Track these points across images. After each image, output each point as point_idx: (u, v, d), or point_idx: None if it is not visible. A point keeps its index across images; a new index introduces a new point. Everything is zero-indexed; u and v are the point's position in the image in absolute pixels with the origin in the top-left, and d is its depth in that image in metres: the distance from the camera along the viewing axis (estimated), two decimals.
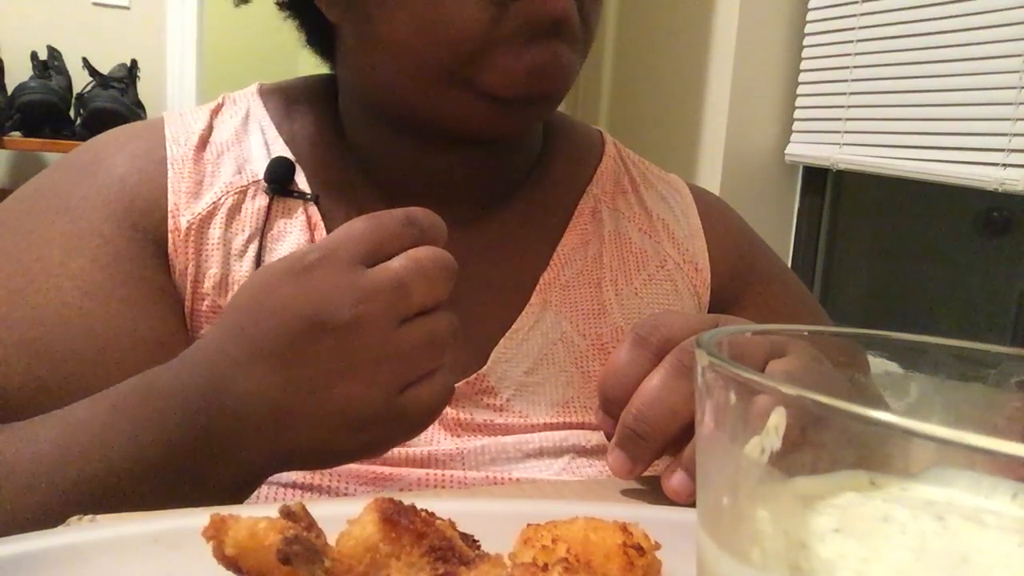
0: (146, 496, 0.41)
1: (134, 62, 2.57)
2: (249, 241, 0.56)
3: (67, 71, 2.47)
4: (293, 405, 0.40)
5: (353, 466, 0.51)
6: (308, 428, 0.41)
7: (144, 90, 2.56)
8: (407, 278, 0.40)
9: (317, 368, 0.40)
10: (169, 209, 0.55)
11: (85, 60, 2.44)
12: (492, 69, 0.53)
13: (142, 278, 0.53)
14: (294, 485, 0.50)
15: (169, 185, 0.56)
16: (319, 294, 0.40)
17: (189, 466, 0.41)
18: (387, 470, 0.52)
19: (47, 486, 0.41)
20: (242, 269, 0.56)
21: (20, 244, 0.53)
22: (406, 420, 0.42)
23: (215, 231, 0.56)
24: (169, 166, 0.57)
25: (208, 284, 0.55)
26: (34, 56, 2.40)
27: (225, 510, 0.26)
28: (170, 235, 0.55)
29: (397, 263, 0.41)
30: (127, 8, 2.68)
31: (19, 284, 0.52)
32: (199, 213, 0.56)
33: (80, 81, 2.44)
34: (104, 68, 2.47)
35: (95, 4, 2.64)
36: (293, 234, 0.57)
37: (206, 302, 0.55)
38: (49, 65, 2.41)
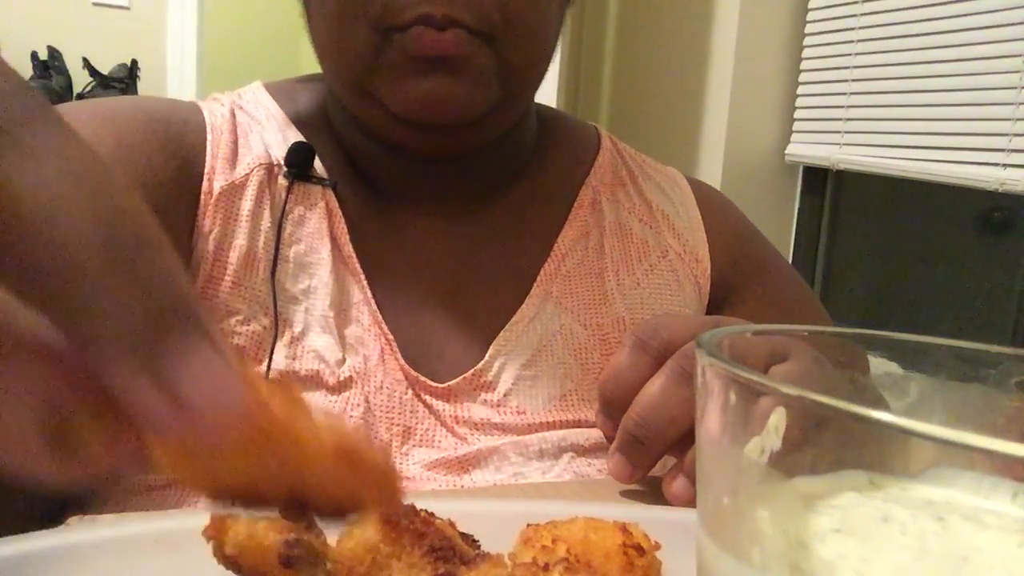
0: None
1: (134, 62, 2.58)
2: (271, 220, 0.57)
3: (67, 71, 2.47)
4: None
5: None
6: None
7: (144, 90, 2.56)
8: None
9: None
10: (206, 171, 0.56)
11: (85, 60, 2.44)
12: (383, 92, 0.55)
13: (170, 227, 0.54)
14: None
15: (208, 147, 0.57)
16: None
17: None
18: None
19: None
20: (260, 247, 0.56)
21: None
22: None
23: (246, 203, 0.56)
24: (209, 130, 0.58)
25: (234, 255, 0.55)
26: (34, 56, 2.40)
27: (225, 511, 0.26)
28: (202, 197, 0.56)
29: None
30: (127, 8, 2.68)
31: None
32: (232, 180, 0.57)
33: (80, 81, 2.44)
34: (104, 68, 2.47)
35: (95, 4, 2.64)
36: (313, 220, 0.58)
37: (228, 274, 0.55)
38: (49, 65, 2.41)
